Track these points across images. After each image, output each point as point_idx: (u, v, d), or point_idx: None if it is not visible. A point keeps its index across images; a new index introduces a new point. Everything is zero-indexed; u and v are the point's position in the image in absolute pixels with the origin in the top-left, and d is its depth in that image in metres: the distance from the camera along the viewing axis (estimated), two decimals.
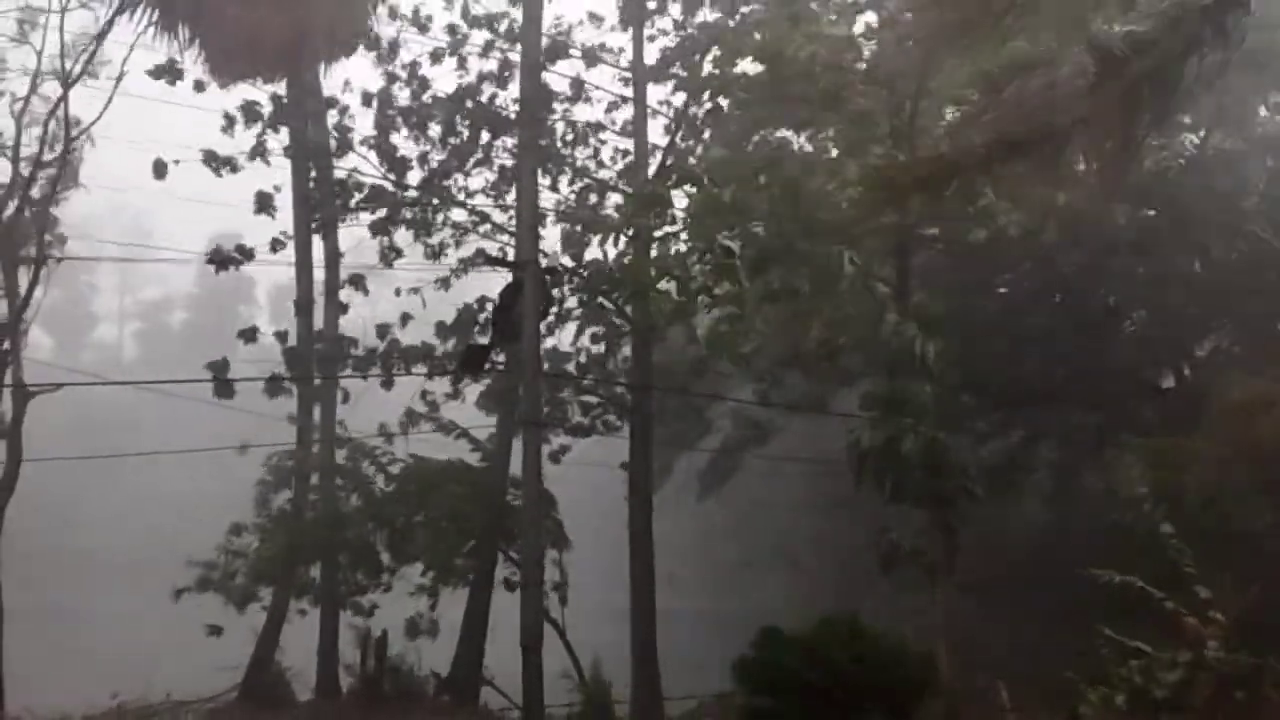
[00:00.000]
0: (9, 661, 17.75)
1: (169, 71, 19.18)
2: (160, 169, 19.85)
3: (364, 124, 21.08)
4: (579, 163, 21.43)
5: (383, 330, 21.30)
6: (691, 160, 20.26)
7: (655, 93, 21.04)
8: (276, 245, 20.23)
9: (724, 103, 18.97)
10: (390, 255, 21.07)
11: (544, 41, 18.86)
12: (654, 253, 17.83)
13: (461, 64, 20.79)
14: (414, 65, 20.76)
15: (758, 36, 16.87)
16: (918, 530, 14.40)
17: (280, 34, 17.41)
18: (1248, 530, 12.96)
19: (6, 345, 18.42)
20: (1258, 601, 9.63)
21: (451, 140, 20.99)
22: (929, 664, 11.58)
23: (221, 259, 20.10)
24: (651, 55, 20.94)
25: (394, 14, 20.41)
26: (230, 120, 20.11)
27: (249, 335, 21.17)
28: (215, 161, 20.01)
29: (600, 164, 21.61)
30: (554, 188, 21.17)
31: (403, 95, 20.94)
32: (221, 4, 17.27)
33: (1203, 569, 9.91)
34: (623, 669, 19.35)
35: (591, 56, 20.92)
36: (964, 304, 18.51)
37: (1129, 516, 12.17)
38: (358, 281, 20.96)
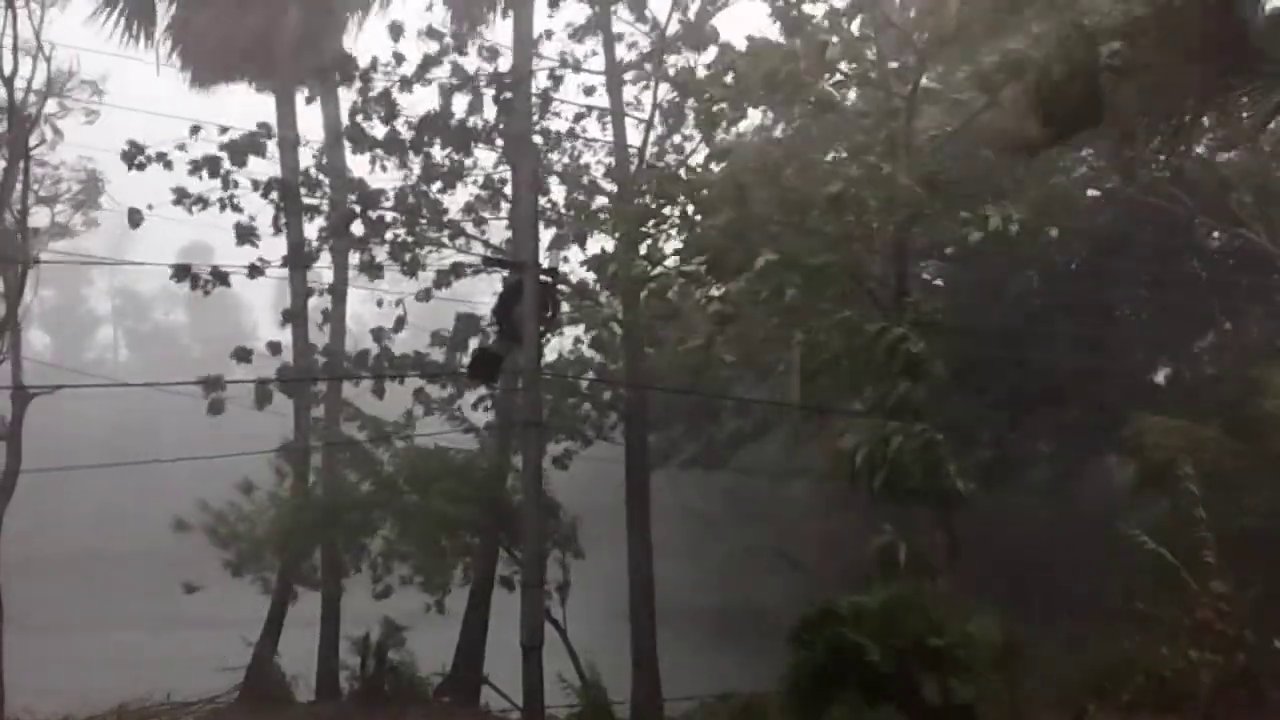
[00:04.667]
0: (9, 663, 17.74)
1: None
2: (131, 158, 19.62)
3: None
4: (562, 166, 21.37)
5: (378, 334, 21.35)
6: (671, 157, 20.34)
7: (629, 90, 21.05)
8: (255, 272, 20.02)
9: (715, 107, 18.97)
10: (370, 269, 20.94)
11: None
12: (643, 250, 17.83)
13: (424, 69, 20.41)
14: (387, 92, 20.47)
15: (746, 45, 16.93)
16: (917, 530, 14.38)
17: (259, 45, 17.53)
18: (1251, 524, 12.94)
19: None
20: (1260, 598, 9.62)
21: (430, 151, 20.79)
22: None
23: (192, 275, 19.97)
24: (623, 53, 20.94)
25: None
26: (210, 161, 19.79)
27: (243, 355, 20.97)
28: (187, 199, 19.81)
29: (582, 168, 21.54)
30: (543, 190, 21.13)
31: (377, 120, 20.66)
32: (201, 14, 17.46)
33: (1204, 566, 9.89)
34: (623, 669, 19.35)
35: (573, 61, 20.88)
36: (964, 304, 18.55)
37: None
38: (335, 290, 21.03)
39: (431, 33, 20.34)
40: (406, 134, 20.50)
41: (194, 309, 64.37)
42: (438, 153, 20.79)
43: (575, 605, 19.34)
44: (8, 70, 18.80)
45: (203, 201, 19.97)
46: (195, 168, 19.82)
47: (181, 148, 19.72)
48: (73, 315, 63.05)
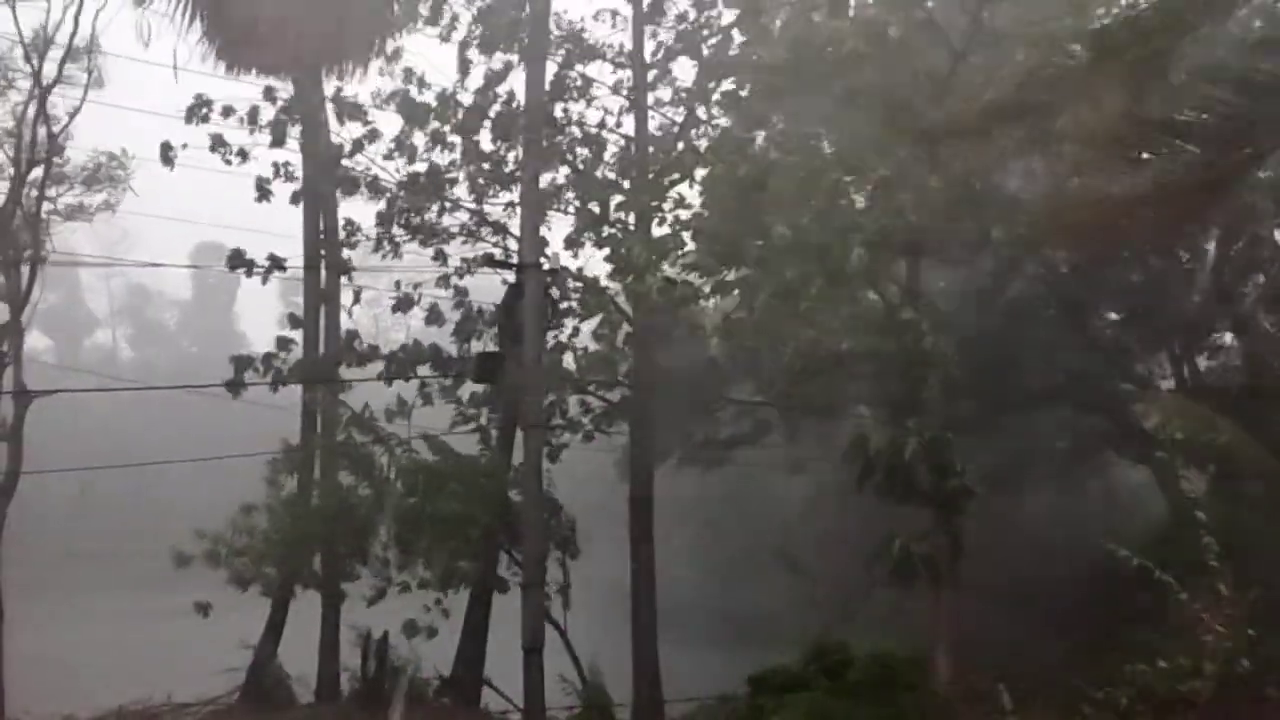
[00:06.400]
0: (9, 664, 17.75)
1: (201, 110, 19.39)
2: (166, 154, 19.55)
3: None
4: (579, 162, 21.31)
5: (404, 301, 21.27)
6: (702, 142, 20.20)
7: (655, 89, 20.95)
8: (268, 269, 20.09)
9: (742, 92, 18.77)
10: (388, 248, 20.90)
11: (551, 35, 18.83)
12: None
13: (464, 70, 20.52)
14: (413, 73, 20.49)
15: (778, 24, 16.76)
16: (921, 533, 14.36)
17: (295, 29, 17.50)
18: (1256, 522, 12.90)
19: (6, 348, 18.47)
20: (1260, 598, 9.58)
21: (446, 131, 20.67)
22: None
23: (243, 264, 19.95)
24: (650, 51, 20.80)
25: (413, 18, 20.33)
26: (254, 116, 19.82)
27: (283, 344, 20.68)
28: (224, 148, 19.75)
29: (604, 164, 21.50)
30: (556, 183, 21.10)
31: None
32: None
33: (1208, 569, 9.86)
34: (624, 671, 19.34)
35: (595, 52, 20.75)
36: (966, 307, 18.51)
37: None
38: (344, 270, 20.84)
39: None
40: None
41: (197, 308, 64.53)
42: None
43: (576, 606, 19.32)
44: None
45: (243, 155, 19.83)
46: (249, 120, 19.76)
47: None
48: (73, 316, 63.05)
